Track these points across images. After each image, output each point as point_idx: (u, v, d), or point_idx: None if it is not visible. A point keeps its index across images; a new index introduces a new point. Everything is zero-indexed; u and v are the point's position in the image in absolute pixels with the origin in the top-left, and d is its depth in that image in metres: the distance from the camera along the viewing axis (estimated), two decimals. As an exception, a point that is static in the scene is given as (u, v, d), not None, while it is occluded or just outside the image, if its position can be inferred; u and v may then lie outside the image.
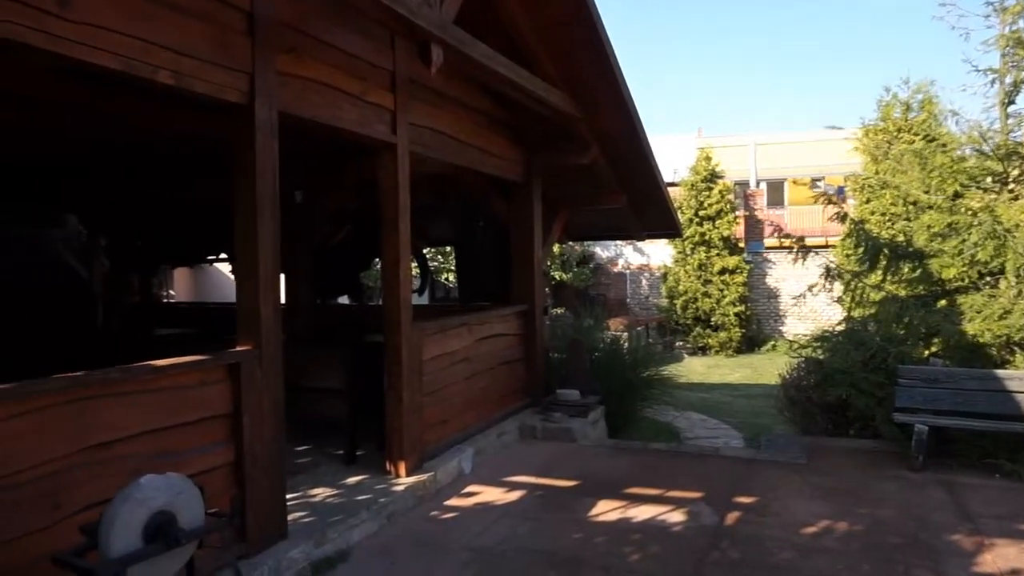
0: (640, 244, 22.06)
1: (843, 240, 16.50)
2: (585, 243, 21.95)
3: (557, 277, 21.20)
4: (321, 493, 4.59)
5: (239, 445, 3.51)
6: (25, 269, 11.52)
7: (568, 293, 21.02)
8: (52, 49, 2.74)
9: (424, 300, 12.65)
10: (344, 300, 10.63)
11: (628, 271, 23.22)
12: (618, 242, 22.44)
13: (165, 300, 14.74)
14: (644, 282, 23.05)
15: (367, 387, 5.33)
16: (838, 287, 7.69)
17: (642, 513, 4.62)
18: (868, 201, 17.03)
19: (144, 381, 3.06)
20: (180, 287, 17.82)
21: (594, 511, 4.70)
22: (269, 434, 3.67)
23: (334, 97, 4.25)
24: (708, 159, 20.25)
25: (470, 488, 5.18)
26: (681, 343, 20.05)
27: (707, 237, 19.76)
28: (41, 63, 4.43)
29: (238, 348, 3.61)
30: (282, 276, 4.36)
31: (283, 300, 4.97)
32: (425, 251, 11.15)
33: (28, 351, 7.46)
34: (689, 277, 19.91)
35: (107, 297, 10.11)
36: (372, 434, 5.55)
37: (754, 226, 22.52)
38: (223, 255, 10.99)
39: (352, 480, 4.88)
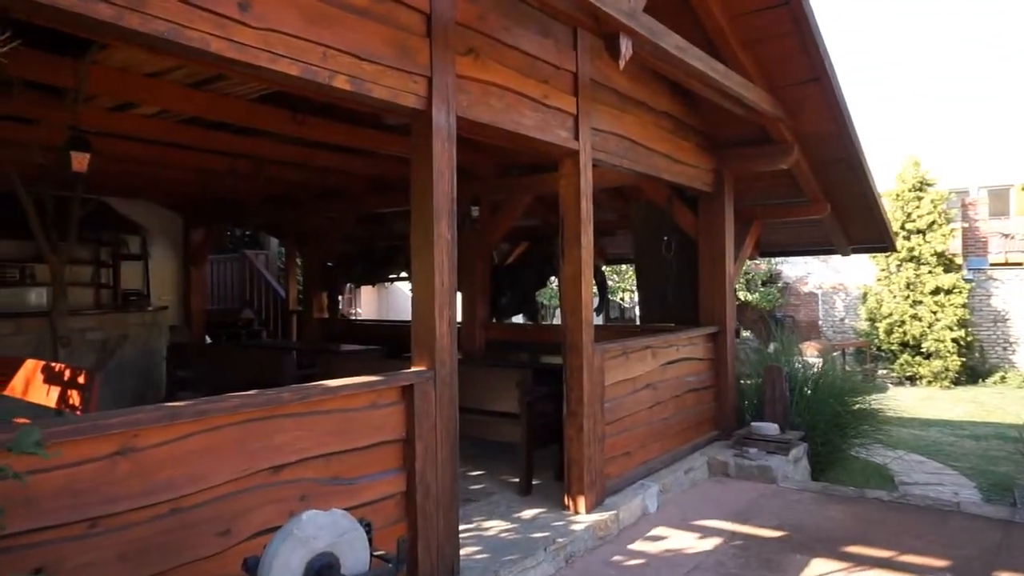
0: (834, 262, 20.06)
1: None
2: (772, 261, 20.39)
3: (741, 297, 19.84)
4: (495, 527, 4.27)
5: (411, 473, 3.26)
6: (237, 288, 12.64)
7: (752, 314, 19.58)
8: (237, 57, 2.64)
9: (599, 320, 12.22)
10: (518, 319, 10.47)
11: (820, 291, 21.20)
12: (807, 259, 20.57)
13: (352, 317, 15.56)
14: (839, 303, 20.92)
15: (544, 412, 4.99)
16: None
17: (870, 581, 3.83)
18: None
19: (315, 402, 2.88)
20: (366, 306, 18.81)
21: (806, 572, 3.97)
22: (443, 462, 3.40)
23: (513, 101, 3.96)
24: (917, 165, 18.02)
25: (656, 531, 4.63)
26: (884, 371, 17.85)
27: (916, 253, 17.52)
28: (232, 81, 4.64)
29: (412, 368, 3.39)
30: (458, 295, 4.15)
31: (459, 318, 4.77)
32: (603, 268, 10.74)
33: (233, 361, 7.99)
34: (894, 297, 17.76)
35: (301, 313, 10.76)
36: (549, 462, 5.20)
37: (975, 240, 19.69)
38: (403, 274, 11.32)
39: (528, 514, 4.52)
